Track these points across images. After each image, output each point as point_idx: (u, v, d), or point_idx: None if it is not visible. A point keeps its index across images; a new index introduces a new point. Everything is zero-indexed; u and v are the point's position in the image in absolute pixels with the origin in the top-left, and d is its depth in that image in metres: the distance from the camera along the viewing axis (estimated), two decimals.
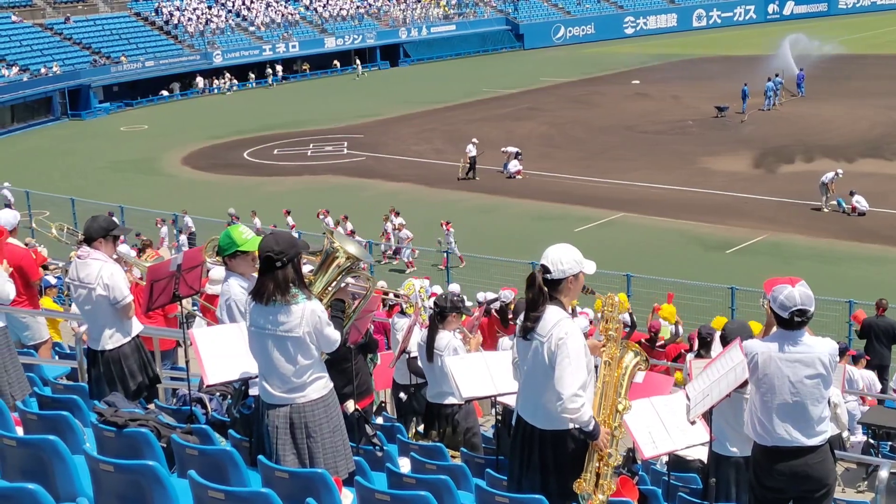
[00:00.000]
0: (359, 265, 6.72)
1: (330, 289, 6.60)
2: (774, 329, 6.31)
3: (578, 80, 60.92)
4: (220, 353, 6.82)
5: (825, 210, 31.24)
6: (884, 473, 5.86)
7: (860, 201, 30.51)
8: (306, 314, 6.10)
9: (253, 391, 7.13)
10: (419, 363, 9.71)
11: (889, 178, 34.78)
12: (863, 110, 46.25)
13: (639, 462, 8.04)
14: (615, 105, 52.28)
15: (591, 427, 5.92)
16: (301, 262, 6.29)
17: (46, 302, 13.86)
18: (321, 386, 6.30)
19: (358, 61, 71.74)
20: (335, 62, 73.57)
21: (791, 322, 6.09)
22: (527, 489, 6.09)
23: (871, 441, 12.92)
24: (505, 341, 12.82)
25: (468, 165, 38.15)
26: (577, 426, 5.92)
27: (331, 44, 73.94)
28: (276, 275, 6.11)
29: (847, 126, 43.39)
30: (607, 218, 31.86)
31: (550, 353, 5.90)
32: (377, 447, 7.71)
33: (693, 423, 6.70)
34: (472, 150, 38.12)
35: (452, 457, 8.34)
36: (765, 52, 59.49)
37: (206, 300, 11.80)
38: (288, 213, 31.41)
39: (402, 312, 12.83)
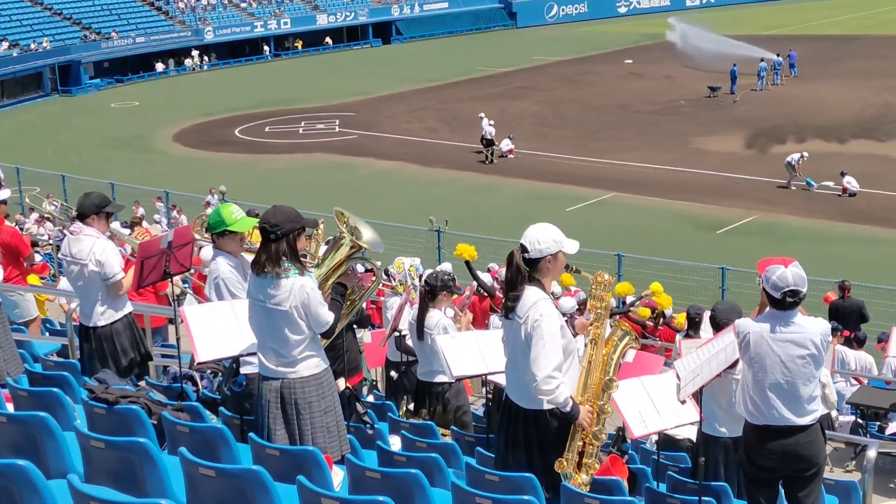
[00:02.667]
0: (360, 251, 6.67)
1: (334, 272, 6.60)
2: (767, 309, 6.31)
3: (571, 59, 60.80)
4: (211, 330, 6.82)
5: (791, 188, 31.76)
6: (872, 453, 5.89)
7: (851, 182, 30.54)
8: (295, 289, 6.10)
9: (244, 369, 7.14)
10: (409, 342, 9.72)
11: (882, 159, 34.79)
12: (857, 91, 46.22)
13: (629, 441, 8.06)
14: (608, 84, 52.20)
15: (568, 408, 5.93)
16: (298, 238, 6.26)
17: (32, 279, 13.84)
18: (314, 364, 6.29)
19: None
20: (327, 39, 73.34)
21: (783, 302, 6.09)
22: (513, 467, 6.12)
23: (860, 421, 12.97)
24: (495, 320, 12.84)
25: (493, 149, 37.11)
26: (554, 407, 5.94)
27: (323, 21, 73.73)
28: (269, 247, 6.12)
29: (840, 107, 43.38)
30: (599, 198, 31.86)
31: (527, 334, 5.91)
32: (368, 425, 7.72)
33: (683, 402, 6.71)
34: (489, 132, 37.20)
35: (443, 435, 8.37)
36: (757, 32, 59.39)
37: (199, 279, 11.79)
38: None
39: (394, 291, 12.82)
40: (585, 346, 6.28)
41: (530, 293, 5.98)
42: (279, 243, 6.12)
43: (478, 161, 37.11)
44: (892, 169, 33.27)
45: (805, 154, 32.78)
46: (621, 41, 66.97)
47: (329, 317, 6.23)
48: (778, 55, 50.00)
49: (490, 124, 37.57)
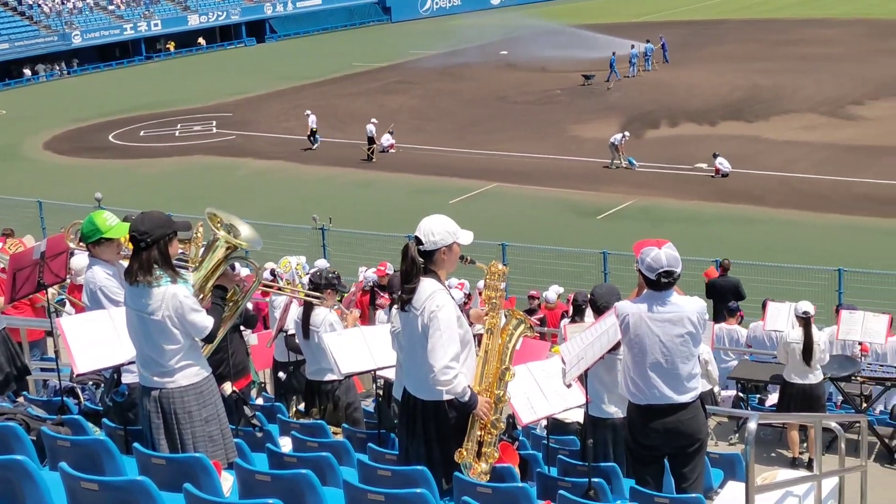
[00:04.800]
0: (239, 252, 6.55)
1: (213, 274, 6.46)
2: (644, 290, 6.44)
3: (447, 53, 61.03)
4: (90, 340, 6.66)
5: (613, 167, 33.01)
6: (752, 425, 6.04)
7: (723, 163, 31.35)
8: (167, 298, 5.98)
9: (126, 378, 6.99)
10: (297, 341, 9.65)
11: (752, 139, 35.82)
12: (724, 75, 47.47)
13: (518, 428, 8.14)
14: (484, 76, 52.55)
15: (466, 398, 5.95)
16: (170, 243, 6.14)
17: None
18: (193, 373, 6.18)
19: None
20: (200, 40, 72.17)
21: (658, 283, 6.22)
22: (413, 459, 6.13)
23: (741, 395, 13.34)
24: (381, 315, 12.85)
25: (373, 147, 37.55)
26: (452, 397, 5.96)
27: (194, 21, 72.48)
28: (140, 255, 5.99)
29: (709, 90, 44.49)
30: (481, 189, 32.06)
31: (424, 325, 5.92)
32: (256, 428, 7.63)
33: (569, 386, 6.80)
34: (372, 130, 37.45)
35: (334, 433, 8.32)
36: (629, 20, 60.52)
37: (70, 291, 11.48)
38: None
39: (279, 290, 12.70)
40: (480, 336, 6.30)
41: (426, 285, 5.99)
42: (150, 251, 5.99)
43: (360, 159, 37.00)
44: (762, 149, 34.31)
45: (627, 134, 34.17)
46: (495, 33, 67.47)
47: (207, 322, 6.11)
48: (648, 41, 51.06)
49: (373, 122, 37.49)
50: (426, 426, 6.12)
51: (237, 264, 7.37)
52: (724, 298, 16.62)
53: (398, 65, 58.27)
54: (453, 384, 5.88)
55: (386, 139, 38.03)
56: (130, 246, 6.46)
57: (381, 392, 9.31)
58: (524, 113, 43.20)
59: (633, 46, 49.46)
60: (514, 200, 30.65)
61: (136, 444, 6.00)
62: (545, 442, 8.00)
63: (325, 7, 79.14)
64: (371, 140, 36.93)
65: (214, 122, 45.19)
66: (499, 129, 40.45)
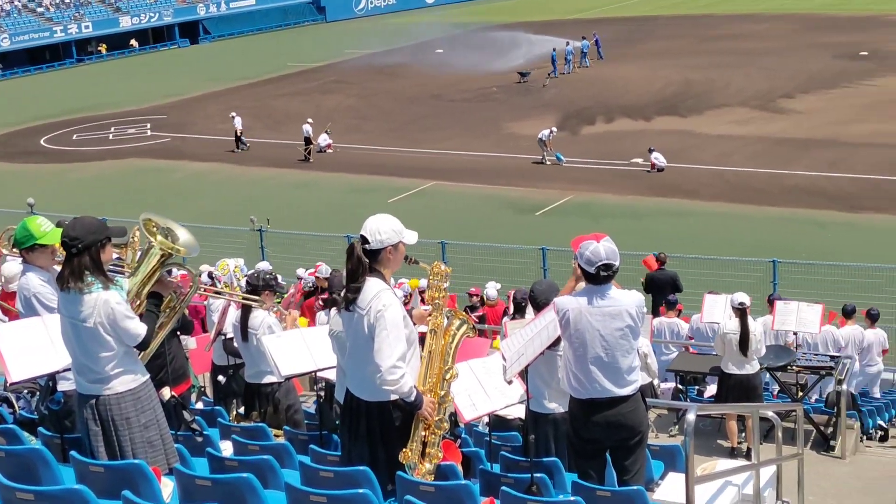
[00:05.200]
0: (176, 258, 6.49)
1: (149, 279, 6.38)
2: (583, 285, 6.47)
3: (383, 52, 60.94)
4: (23, 348, 6.54)
5: (546, 163, 33.32)
6: (691, 416, 6.12)
7: (658, 158, 31.67)
8: (99, 304, 5.90)
9: (61, 386, 6.88)
10: (235, 344, 9.57)
11: (685, 134, 36.24)
12: (658, 70, 47.96)
13: (461, 425, 8.15)
14: (421, 75, 52.57)
15: (412, 398, 5.95)
16: (102, 249, 6.04)
17: None
18: (129, 379, 6.10)
19: None
20: (132, 42, 71.30)
21: (598, 277, 6.26)
22: (356, 460, 6.10)
23: (680, 387, 13.49)
24: (322, 316, 12.78)
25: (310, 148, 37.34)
26: (398, 397, 5.95)
27: (126, 23, 71.64)
28: (72, 262, 5.90)
29: (644, 86, 44.92)
30: (420, 187, 32.06)
31: (370, 325, 5.90)
32: (197, 432, 7.55)
33: (510, 382, 6.83)
34: (308, 131, 37.29)
35: (276, 436, 8.27)
36: (562, 17, 60.89)
37: (3, 298, 11.27)
38: None
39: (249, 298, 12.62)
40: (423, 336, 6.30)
41: (372, 284, 5.96)
42: (81, 257, 5.90)
43: (297, 159, 36.79)
44: (696, 143, 34.73)
45: (554, 130, 34.60)
46: (431, 31, 67.52)
47: (140, 329, 6.03)
48: (584, 38, 51.43)
49: (309, 122, 37.29)
50: (370, 427, 6.10)
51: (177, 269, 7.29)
52: (662, 292, 16.78)
53: (334, 64, 58.08)
54: (400, 384, 5.87)
55: (323, 139, 37.87)
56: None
57: (322, 393, 9.27)
58: (461, 111, 43.29)
59: (567, 43, 49.77)
60: (452, 198, 30.70)
61: (73, 453, 5.91)
62: (487, 439, 8.02)
63: (259, 7, 78.62)
64: (307, 140, 36.74)
65: (149, 125, 44.71)
66: (436, 127, 40.49)
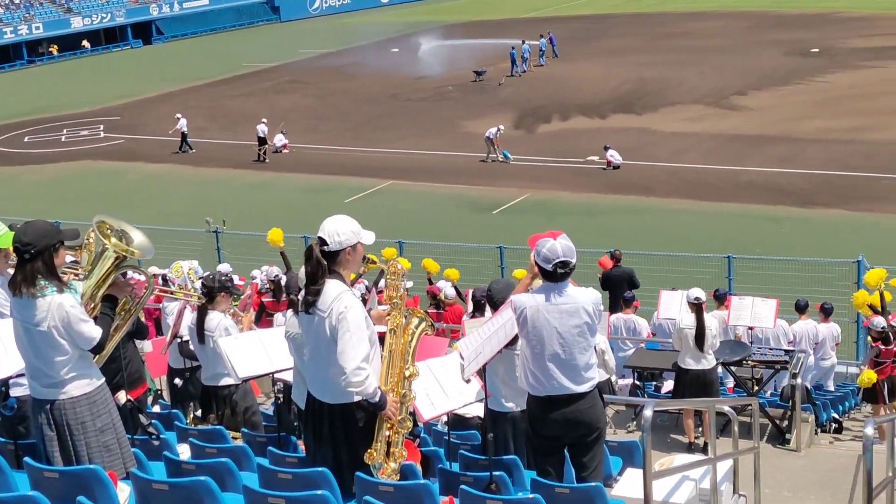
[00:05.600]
0: (131, 260, 6.41)
1: (104, 282, 6.31)
2: (539, 282, 6.49)
3: (338, 51, 60.78)
4: None
5: (489, 161, 33.60)
6: (648, 412, 6.15)
7: (614, 155, 31.84)
8: (53, 308, 5.84)
9: (14, 391, 6.81)
10: (191, 346, 9.50)
11: (641, 131, 36.47)
12: (613, 68, 48.22)
13: (420, 424, 8.15)
14: (376, 74, 52.48)
15: (377, 398, 5.94)
16: (56, 253, 5.98)
17: None
18: (84, 383, 6.03)
19: None
20: (84, 42, 70.57)
21: (555, 274, 6.28)
22: (321, 463, 6.08)
23: (637, 383, 13.57)
24: (279, 317, 12.72)
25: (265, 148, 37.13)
26: (363, 398, 5.93)
27: (78, 24, 70.90)
28: (24, 267, 5.83)
29: (599, 84, 45.15)
30: (377, 187, 32.01)
31: (332, 327, 5.87)
32: (153, 436, 7.49)
33: (468, 381, 6.83)
34: (262, 131, 37.03)
35: (234, 438, 8.21)
36: (517, 16, 61.02)
37: None
38: None
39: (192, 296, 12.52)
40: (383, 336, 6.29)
41: (332, 286, 5.93)
42: (34, 262, 5.84)
43: (251, 160, 36.59)
44: (651, 141, 34.96)
45: (501, 128, 34.75)
46: (386, 31, 67.46)
47: (95, 332, 5.98)
48: (542, 36, 51.60)
49: (263, 122, 37.09)
50: (333, 430, 6.08)
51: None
52: (619, 288, 16.85)
53: (289, 64, 57.84)
54: (365, 385, 5.86)
55: (279, 139, 37.71)
56: None
57: (280, 395, 9.22)
58: (417, 110, 43.28)
59: (524, 42, 49.90)
60: (409, 198, 30.69)
61: (27, 459, 5.84)
62: (446, 438, 8.02)
63: (213, 7, 78.12)
64: (262, 141, 36.53)
65: (102, 127, 44.30)
66: (392, 126, 40.45)
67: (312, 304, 5.95)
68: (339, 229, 5.97)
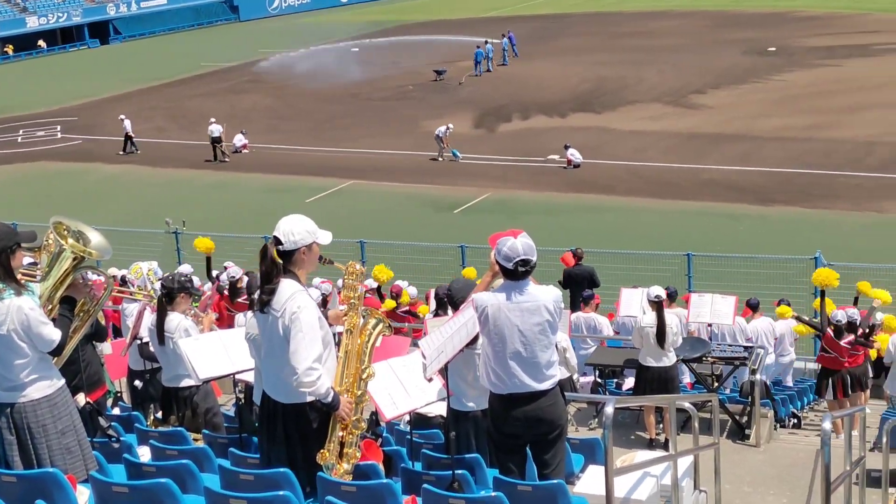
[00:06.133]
0: (89, 261, 6.35)
1: (61, 284, 6.25)
2: (500, 281, 6.50)
3: (298, 51, 60.53)
4: None
5: (440, 160, 33.87)
6: (609, 409, 6.17)
7: (574, 154, 31.97)
8: (12, 311, 5.81)
9: None
10: (151, 348, 9.43)
11: (601, 130, 36.65)
12: (572, 67, 48.39)
13: (382, 424, 8.14)
14: (337, 74, 52.31)
15: (329, 399, 5.94)
16: (13, 255, 5.93)
17: None
18: (45, 385, 6.00)
19: None
20: (40, 42, 69.81)
21: (516, 272, 6.29)
22: (275, 463, 6.08)
23: (599, 380, 13.63)
24: (240, 318, 12.63)
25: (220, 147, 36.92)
26: (315, 399, 5.92)
27: (33, 23, 70.14)
28: None
29: (558, 83, 45.29)
30: (338, 186, 31.95)
31: (285, 327, 5.87)
32: (113, 439, 7.43)
33: (430, 380, 6.83)
34: (214, 131, 36.80)
35: (195, 440, 8.16)
36: (477, 15, 61.06)
37: None
38: None
39: (144, 295, 12.43)
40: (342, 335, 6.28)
41: (286, 286, 5.93)
42: None
43: (205, 160, 36.39)
44: (611, 139, 35.15)
45: (450, 126, 34.85)
46: (346, 30, 67.27)
47: (55, 335, 5.94)
48: (504, 35, 51.68)
49: (212, 121, 36.91)
50: (287, 429, 6.08)
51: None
52: (580, 287, 16.92)
53: (249, 64, 57.54)
54: (317, 385, 5.85)
55: (238, 139, 37.54)
56: None
57: (241, 396, 9.17)
58: (378, 109, 43.22)
59: (486, 42, 49.94)
60: (370, 197, 30.65)
61: None
62: (409, 437, 8.02)
63: (171, 7, 77.56)
64: (216, 140, 36.32)
65: (59, 127, 43.88)
66: (353, 125, 40.38)
67: (267, 303, 5.95)
68: (294, 229, 5.97)
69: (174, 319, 8.90)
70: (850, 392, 13.31)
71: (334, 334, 6.40)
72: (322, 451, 6.01)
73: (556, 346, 6.70)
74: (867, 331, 13.20)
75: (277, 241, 5.97)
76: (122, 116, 39.28)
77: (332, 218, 26.11)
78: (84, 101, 49.60)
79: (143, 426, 8.62)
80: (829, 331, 13.16)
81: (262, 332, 6.09)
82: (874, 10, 58.03)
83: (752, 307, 15.15)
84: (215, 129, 36.23)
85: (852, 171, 29.54)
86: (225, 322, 13.68)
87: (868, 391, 13.88)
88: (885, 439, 8.48)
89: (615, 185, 29.97)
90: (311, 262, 6.13)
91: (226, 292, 15.15)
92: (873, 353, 13.64)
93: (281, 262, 5.96)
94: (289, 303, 5.86)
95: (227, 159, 36.19)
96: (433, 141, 35.35)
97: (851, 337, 13.03)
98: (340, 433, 6.11)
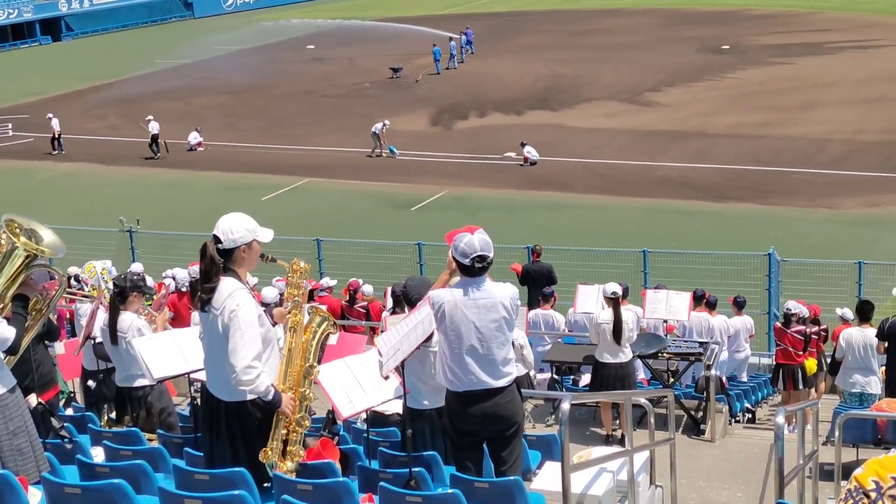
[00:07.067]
0: (41, 259, 6.28)
1: (13, 283, 6.16)
2: (457, 278, 6.49)
3: (253, 48, 60.22)
4: None
5: (374, 156, 34.34)
6: (565, 405, 6.20)
7: (531, 152, 32.07)
8: None
9: None
10: (105, 348, 9.32)
11: (557, 127, 36.80)
12: (528, 65, 48.55)
13: (339, 422, 8.10)
14: (293, 71, 52.12)
15: (270, 396, 5.94)
16: None
17: None
18: None
19: None
20: None
21: (472, 269, 6.29)
22: (218, 461, 6.07)
23: (555, 377, 13.67)
24: (196, 316, 12.54)
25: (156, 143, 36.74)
26: (255, 396, 5.90)
27: None
28: None
29: (515, 81, 45.41)
30: (294, 184, 31.82)
31: (224, 325, 5.87)
32: (66, 440, 7.34)
33: (387, 378, 6.81)
34: (153, 128, 36.61)
35: (149, 440, 8.09)
36: (434, 12, 61.03)
37: None
38: None
39: (85, 296, 12.29)
40: (285, 333, 6.26)
41: (226, 284, 5.91)
42: None
43: (144, 157, 36.15)
44: (566, 137, 35.29)
45: (387, 122, 35.17)
46: (301, 28, 66.95)
47: (8, 333, 5.88)
48: (463, 32, 51.72)
49: (148, 119, 36.72)
50: (230, 427, 6.07)
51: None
52: (538, 284, 16.95)
53: (204, 61, 57.12)
54: (256, 384, 5.84)
55: (194, 137, 37.29)
56: None
57: (196, 395, 9.10)
58: (334, 107, 43.11)
59: (451, 39, 49.94)
60: (327, 195, 30.56)
61: None
62: (365, 435, 7.99)
63: (124, 3, 76.80)
64: (154, 138, 36.15)
65: (10, 125, 43.32)
66: (309, 123, 40.24)
67: (207, 301, 5.93)
68: (234, 227, 5.96)
69: (127, 319, 8.81)
70: (800, 386, 13.48)
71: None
72: (264, 448, 6.00)
73: (514, 342, 6.71)
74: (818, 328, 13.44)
75: (217, 240, 5.95)
76: (51, 115, 38.93)
77: (288, 216, 26.11)
78: (36, 98, 49.04)
79: (97, 427, 8.53)
80: (778, 323, 13.40)
81: (203, 331, 6.12)
82: (826, 9, 58.73)
83: (710, 306, 15.15)
84: (154, 127, 36.10)
85: (805, 167, 29.89)
86: (184, 321, 13.59)
87: (823, 385, 14.07)
88: (837, 433, 8.57)
89: (572, 182, 30.10)
90: (252, 261, 6.12)
91: (185, 289, 15.05)
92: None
93: (221, 260, 5.93)
94: (228, 301, 5.85)
95: (158, 156, 35.96)
96: (391, 138, 35.32)
97: (801, 328, 13.25)
98: (284, 431, 6.09)
